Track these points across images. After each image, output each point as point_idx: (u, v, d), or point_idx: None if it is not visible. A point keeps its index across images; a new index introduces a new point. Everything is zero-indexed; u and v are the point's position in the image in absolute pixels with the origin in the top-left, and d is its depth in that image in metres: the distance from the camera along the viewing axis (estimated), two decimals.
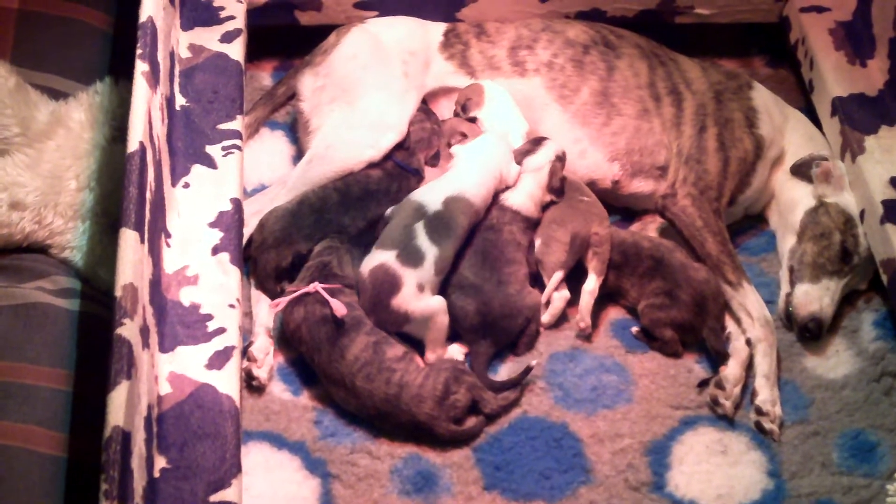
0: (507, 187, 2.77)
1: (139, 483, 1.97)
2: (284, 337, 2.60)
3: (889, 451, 2.55)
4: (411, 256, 2.57)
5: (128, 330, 1.98)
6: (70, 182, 2.60)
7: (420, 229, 2.60)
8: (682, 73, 3.00)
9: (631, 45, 3.03)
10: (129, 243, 2.09)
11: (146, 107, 2.31)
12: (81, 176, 2.62)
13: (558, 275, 2.69)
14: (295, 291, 2.53)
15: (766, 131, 2.93)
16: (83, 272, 2.55)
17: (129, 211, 2.13)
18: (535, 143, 2.83)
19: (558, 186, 2.78)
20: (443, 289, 2.65)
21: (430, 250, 2.58)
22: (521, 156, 2.80)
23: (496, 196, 2.76)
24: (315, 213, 2.71)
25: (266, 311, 2.63)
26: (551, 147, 2.81)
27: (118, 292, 2.02)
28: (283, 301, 2.54)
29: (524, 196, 2.76)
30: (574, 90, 2.93)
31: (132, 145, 2.22)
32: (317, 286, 2.52)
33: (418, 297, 2.55)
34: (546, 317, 2.70)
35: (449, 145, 2.84)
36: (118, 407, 1.88)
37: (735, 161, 2.87)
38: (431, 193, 2.68)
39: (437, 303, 2.58)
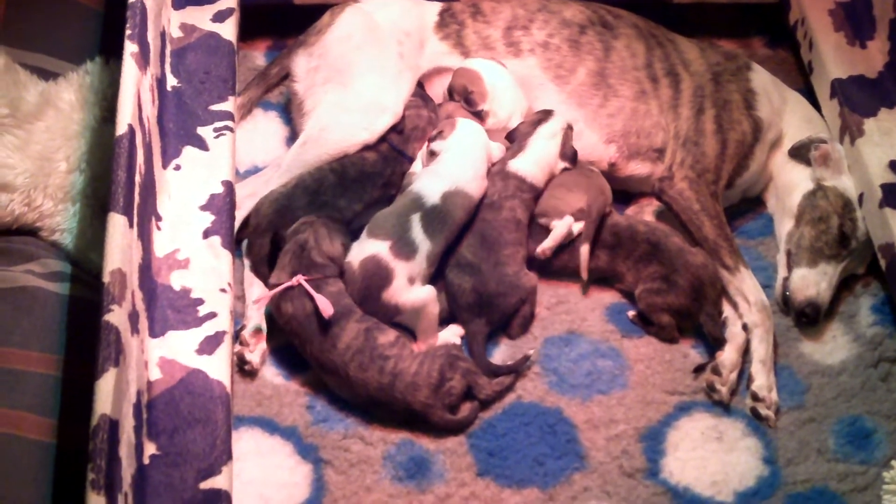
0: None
1: (127, 471, 1.96)
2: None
3: (886, 437, 2.53)
4: (405, 249, 2.54)
5: (115, 316, 1.96)
6: (60, 164, 2.58)
7: (416, 221, 2.58)
8: (680, 54, 2.97)
9: (628, 25, 3.00)
10: (118, 228, 2.08)
11: (135, 89, 2.29)
12: (72, 157, 2.60)
13: (578, 227, 2.69)
14: (277, 285, 2.50)
15: (764, 114, 2.90)
16: (73, 255, 2.53)
17: (118, 195, 2.12)
18: (545, 113, 2.81)
19: (572, 153, 2.77)
20: (441, 267, 2.64)
21: (423, 244, 2.56)
22: (533, 125, 2.78)
23: (502, 164, 2.75)
24: (310, 195, 2.68)
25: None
26: (561, 117, 2.80)
27: (106, 278, 2.01)
28: (264, 298, 2.51)
29: (532, 162, 2.74)
30: (570, 70, 2.90)
31: (121, 128, 2.20)
32: (300, 279, 2.48)
33: (408, 290, 2.53)
34: (548, 240, 2.68)
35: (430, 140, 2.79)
36: (105, 395, 1.87)
37: (733, 143, 2.84)
38: (430, 186, 2.64)
39: (426, 293, 2.55)
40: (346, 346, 2.45)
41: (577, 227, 2.71)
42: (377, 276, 2.52)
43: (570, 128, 2.79)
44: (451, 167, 2.69)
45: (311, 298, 2.46)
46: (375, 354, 2.44)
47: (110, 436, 1.84)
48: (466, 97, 2.84)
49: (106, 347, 1.92)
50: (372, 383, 2.44)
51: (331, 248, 2.56)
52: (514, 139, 2.79)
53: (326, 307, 2.44)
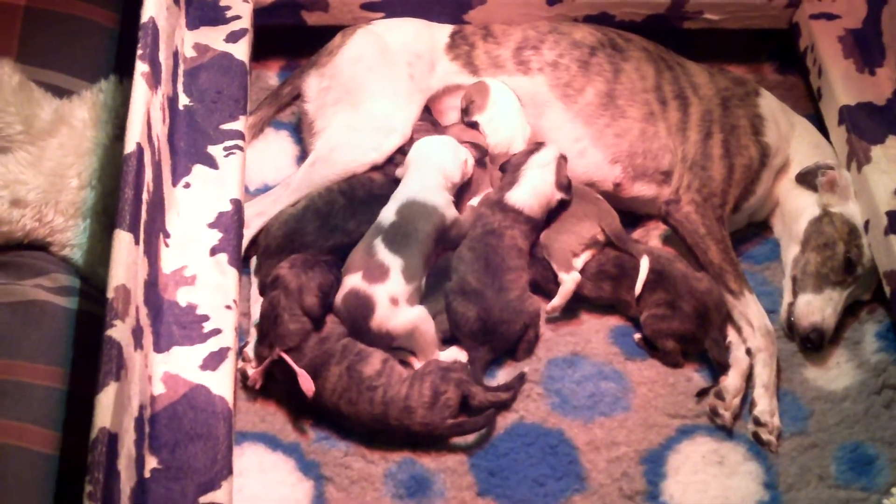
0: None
1: (127, 484, 1.98)
2: None
3: (887, 464, 2.53)
4: (375, 272, 2.55)
5: (118, 332, 1.98)
6: (72, 180, 2.61)
7: (379, 244, 2.59)
8: (689, 77, 2.98)
9: (638, 48, 3.02)
10: (123, 245, 2.10)
11: (145, 108, 2.32)
12: (83, 174, 2.62)
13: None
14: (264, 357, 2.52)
15: (771, 139, 2.91)
16: (83, 270, 2.55)
17: (124, 212, 2.14)
18: (537, 144, 2.83)
19: (567, 183, 2.77)
20: (435, 284, 2.65)
21: (393, 261, 2.57)
22: (525, 156, 2.79)
23: (499, 196, 2.75)
24: (321, 218, 2.70)
25: None
26: (554, 146, 2.81)
27: (110, 294, 2.03)
28: (258, 378, 2.52)
29: (529, 194, 2.74)
30: (578, 90, 2.92)
31: (129, 147, 2.23)
32: (279, 354, 2.48)
33: (394, 313, 2.54)
34: (556, 299, 2.69)
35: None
36: (105, 408, 1.89)
37: (740, 168, 2.85)
38: (386, 210, 2.67)
39: (416, 314, 2.56)
40: (332, 388, 2.47)
41: (586, 256, 2.73)
42: (359, 306, 2.54)
43: (563, 158, 2.79)
44: (403, 186, 2.72)
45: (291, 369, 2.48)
46: (363, 388, 2.46)
47: (109, 449, 1.86)
48: (467, 106, 2.87)
49: (107, 362, 1.94)
50: (364, 416, 2.46)
51: (304, 303, 2.52)
52: (507, 171, 2.79)
53: (307, 385, 2.45)
